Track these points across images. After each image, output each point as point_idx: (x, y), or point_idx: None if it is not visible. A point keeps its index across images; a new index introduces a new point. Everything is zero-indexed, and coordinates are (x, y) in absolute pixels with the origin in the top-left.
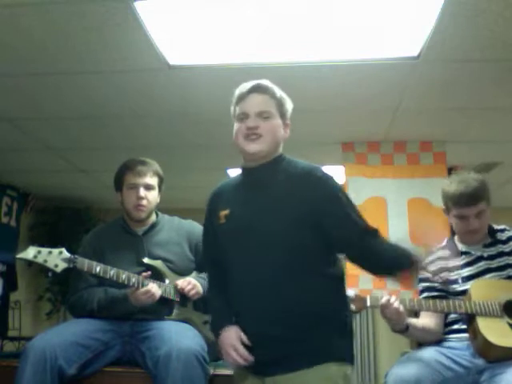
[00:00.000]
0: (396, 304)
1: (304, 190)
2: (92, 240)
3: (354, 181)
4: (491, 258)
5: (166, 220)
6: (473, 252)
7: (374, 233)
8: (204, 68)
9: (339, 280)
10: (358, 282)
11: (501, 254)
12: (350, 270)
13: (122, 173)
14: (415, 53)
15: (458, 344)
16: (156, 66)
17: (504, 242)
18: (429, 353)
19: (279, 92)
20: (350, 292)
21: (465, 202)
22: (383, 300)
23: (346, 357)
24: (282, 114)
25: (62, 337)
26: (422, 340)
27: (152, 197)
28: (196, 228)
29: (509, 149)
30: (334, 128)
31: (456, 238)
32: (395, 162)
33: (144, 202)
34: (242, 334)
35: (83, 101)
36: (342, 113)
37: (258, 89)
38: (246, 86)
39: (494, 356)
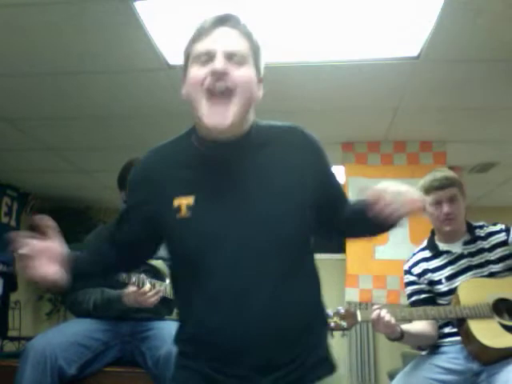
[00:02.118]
0: (387, 317)
1: (298, 163)
2: (94, 238)
3: (354, 181)
4: (471, 255)
5: None
6: (453, 250)
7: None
8: None
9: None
10: (358, 282)
11: (481, 251)
12: (351, 269)
13: (126, 173)
14: (415, 53)
15: (452, 348)
16: (156, 66)
17: (483, 239)
18: (420, 374)
19: (254, 33)
20: (340, 308)
21: (436, 186)
22: (373, 315)
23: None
24: (257, 65)
25: (62, 337)
26: (418, 344)
27: None
28: None
29: (508, 149)
30: (334, 128)
31: (436, 237)
32: (395, 162)
33: None
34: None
35: (83, 101)
36: (342, 113)
37: (227, 21)
38: (209, 19)
39: (490, 358)
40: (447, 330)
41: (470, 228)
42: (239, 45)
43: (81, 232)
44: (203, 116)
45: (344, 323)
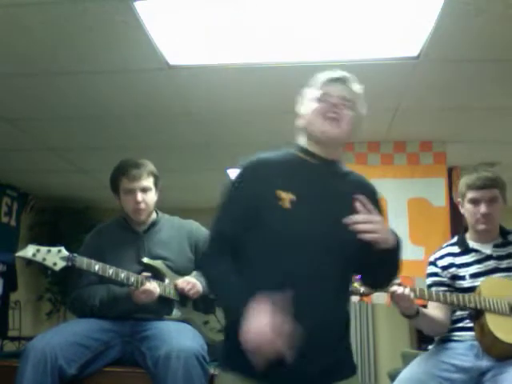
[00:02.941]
0: (406, 291)
1: (373, 204)
2: (93, 238)
3: None
4: (500, 258)
5: (166, 219)
6: (483, 250)
7: None
8: (204, 68)
9: None
10: None
11: (510, 256)
12: None
13: (117, 177)
14: (415, 53)
15: (460, 344)
16: (156, 66)
17: None
18: (427, 370)
19: (361, 90)
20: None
21: (479, 185)
22: (393, 288)
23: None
24: (359, 114)
25: (63, 337)
26: (428, 330)
27: (150, 198)
28: (196, 227)
29: (508, 149)
30: None
31: (467, 235)
32: (395, 162)
33: (142, 206)
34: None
35: (83, 101)
36: None
37: (343, 80)
38: (332, 74)
39: (500, 352)
40: (461, 324)
41: (503, 232)
42: (350, 95)
43: (81, 232)
44: (320, 127)
45: (363, 289)
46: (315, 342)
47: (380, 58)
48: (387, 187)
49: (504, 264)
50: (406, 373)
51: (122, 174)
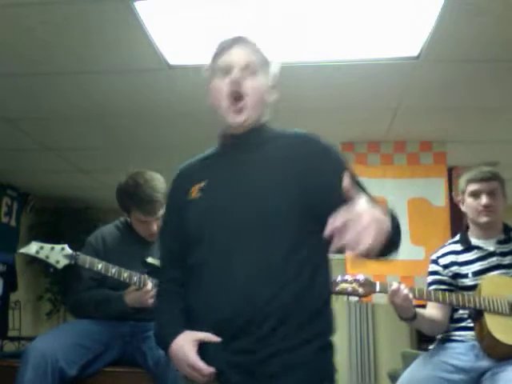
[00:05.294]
0: (405, 291)
1: (304, 159)
2: (95, 240)
3: None
4: (503, 254)
5: None
6: (485, 247)
7: None
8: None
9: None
10: None
11: None
12: (351, 269)
13: (128, 206)
14: (415, 53)
15: (461, 344)
16: (156, 66)
17: None
18: (428, 372)
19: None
20: (360, 276)
21: (479, 178)
22: (393, 286)
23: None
24: (268, 75)
25: (63, 338)
26: (427, 331)
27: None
28: None
29: (508, 149)
30: (334, 128)
31: (470, 232)
32: (395, 162)
33: (156, 234)
34: (200, 335)
35: (83, 101)
36: (342, 113)
37: (240, 41)
38: (226, 40)
39: (500, 353)
40: (463, 324)
41: (506, 229)
42: (250, 59)
43: (81, 232)
44: (227, 119)
45: (361, 290)
46: (249, 334)
47: (380, 58)
48: (387, 187)
49: (507, 260)
50: (407, 375)
51: (137, 207)
